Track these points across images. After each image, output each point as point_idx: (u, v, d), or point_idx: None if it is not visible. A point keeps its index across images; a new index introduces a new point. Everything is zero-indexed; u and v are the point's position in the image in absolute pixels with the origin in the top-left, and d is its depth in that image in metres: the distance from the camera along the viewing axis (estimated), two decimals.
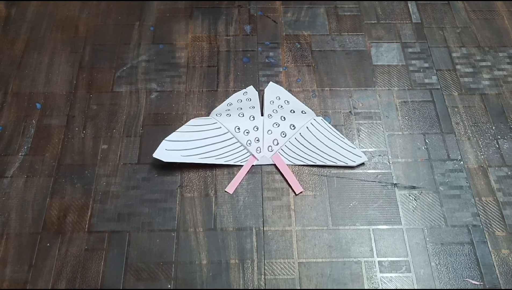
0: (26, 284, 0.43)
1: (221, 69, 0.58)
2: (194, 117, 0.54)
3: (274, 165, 0.50)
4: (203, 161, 0.49)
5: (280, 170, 0.50)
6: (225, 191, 0.48)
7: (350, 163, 0.50)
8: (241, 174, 0.49)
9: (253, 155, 0.50)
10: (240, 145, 0.51)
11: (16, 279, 0.43)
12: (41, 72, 0.57)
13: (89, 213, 0.47)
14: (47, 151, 0.51)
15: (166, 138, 0.50)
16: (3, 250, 0.45)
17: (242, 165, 0.50)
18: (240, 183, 0.49)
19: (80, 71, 0.57)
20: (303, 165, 0.51)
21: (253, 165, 0.50)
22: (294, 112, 0.53)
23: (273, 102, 0.54)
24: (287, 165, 0.50)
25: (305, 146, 0.51)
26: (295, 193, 0.49)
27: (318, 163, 0.50)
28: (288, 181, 0.49)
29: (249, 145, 0.51)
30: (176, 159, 0.49)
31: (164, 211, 0.48)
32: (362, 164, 0.51)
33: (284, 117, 0.53)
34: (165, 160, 0.49)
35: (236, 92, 0.56)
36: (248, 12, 0.63)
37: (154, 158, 0.50)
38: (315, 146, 0.51)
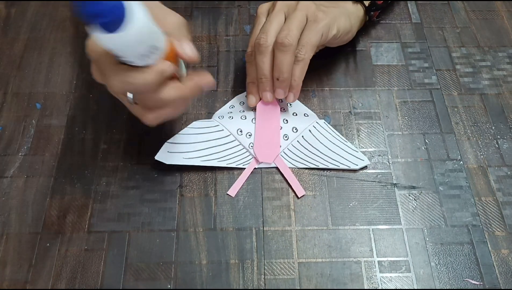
0: (26, 284, 0.43)
1: (221, 69, 0.58)
2: (194, 117, 0.54)
3: (276, 168, 0.50)
4: (205, 164, 0.49)
5: (283, 173, 0.50)
6: (227, 194, 0.48)
7: (353, 167, 0.50)
8: (243, 177, 0.49)
9: (255, 158, 0.50)
10: (243, 148, 0.51)
11: (16, 279, 0.44)
12: (41, 72, 0.57)
13: (89, 213, 0.47)
14: (47, 151, 0.51)
15: (168, 140, 0.50)
16: (3, 250, 0.45)
17: (244, 168, 0.50)
18: (241, 186, 0.49)
19: (80, 71, 0.57)
20: (305, 168, 0.51)
21: (255, 168, 0.50)
22: (296, 114, 0.53)
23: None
24: (290, 168, 0.50)
25: (307, 149, 0.51)
26: (297, 196, 0.49)
27: (321, 166, 0.50)
28: (291, 184, 0.49)
29: (251, 147, 0.50)
30: (178, 162, 0.49)
31: (164, 211, 0.48)
32: (365, 167, 0.51)
33: (286, 120, 0.52)
34: (167, 162, 0.49)
35: (236, 92, 0.56)
36: (248, 12, 0.63)
37: (154, 158, 0.50)
38: (317, 149, 0.51)
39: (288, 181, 0.49)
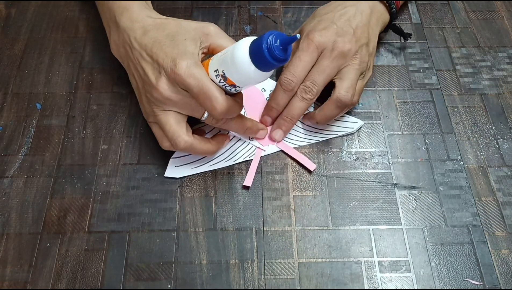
0: (26, 284, 0.43)
1: None
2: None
3: (281, 151, 0.51)
4: (213, 168, 0.50)
5: (289, 153, 0.51)
6: (244, 185, 0.49)
7: (349, 131, 0.52)
8: (253, 167, 0.50)
9: (259, 148, 0.51)
10: (244, 141, 0.51)
11: (16, 279, 0.44)
12: (41, 72, 0.57)
13: (89, 213, 0.47)
14: (47, 151, 0.51)
15: (172, 157, 0.50)
16: (3, 250, 0.45)
17: (251, 160, 0.51)
18: (255, 174, 0.50)
19: (80, 71, 0.57)
20: (307, 145, 0.52)
21: (261, 157, 0.51)
22: None
23: (264, 90, 0.55)
24: (294, 148, 0.51)
25: (303, 128, 0.53)
26: (310, 171, 0.50)
27: (321, 139, 0.52)
28: (300, 161, 0.50)
29: (252, 139, 0.51)
30: (188, 173, 0.49)
31: (164, 211, 0.48)
32: (357, 131, 0.52)
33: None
34: (178, 176, 0.49)
35: None
36: (248, 12, 0.63)
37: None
38: (311, 126, 0.53)
39: (297, 159, 0.50)
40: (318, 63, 0.49)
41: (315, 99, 0.50)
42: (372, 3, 0.53)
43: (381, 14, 0.54)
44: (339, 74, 0.50)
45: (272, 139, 0.51)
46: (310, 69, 0.50)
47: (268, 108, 0.52)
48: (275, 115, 0.52)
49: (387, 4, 0.55)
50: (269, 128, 0.52)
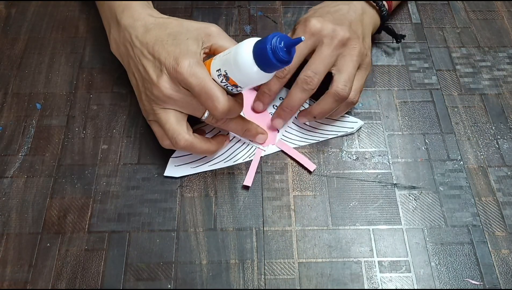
0: (26, 284, 0.43)
1: None
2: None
3: (281, 151, 0.51)
4: (213, 168, 0.50)
5: (289, 153, 0.51)
6: (244, 185, 0.49)
7: (349, 131, 0.52)
8: (253, 166, 0.50)
9: (259, 148, 0.51)
10: (244, 142, 0.51)
11: (16, 279, 0.44)
12: (41, 72, 0.57)
13: (89, 213, 0.47)
14: (47, 151, 0.51)
15: (172, 156, 0.50)
16: (3, 250, 0.45)
17: (251, 160, 0.51)
18: (255, 174, 0.50)
19: (80, 71, 0.57)
20: (307, 145, 0.52)
21: (261, 157, 0.51)
22: (282, 99, 0.54)
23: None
24: (294, 148, 0.52)
25: (303, 128, 0.53)
26: (309, 171, 0.50)
27: (321, 139, 0.52)
28: (300, 161, 0.50)
29: (251, 140, 0.51)
30: (187, 172, 0.49)
31: (164, 211, 0.48)
32: (357, 131, 0.53)
33: (275, 106, 0.54)
34: (177, 175, 0.49)
35: None
36: (248, 12, 0.63)
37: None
38: (311, 126, 0.53)
39: (297, 159, 0.50)
40: (318, 51, 0.49)
41: (315, 90, 0.49)
42: (363, 5, 0.53)
43: (372, 15, 0.55)
44: (337, 65, 0.49)
45: (273, 127, 0.52)
46: (305, 56, 0.50)
47: (260, 93, 0.52)
48: (267, 100, 0.52)
49: (377, 8, 0.55)
50: (269, 132, 0.52)
